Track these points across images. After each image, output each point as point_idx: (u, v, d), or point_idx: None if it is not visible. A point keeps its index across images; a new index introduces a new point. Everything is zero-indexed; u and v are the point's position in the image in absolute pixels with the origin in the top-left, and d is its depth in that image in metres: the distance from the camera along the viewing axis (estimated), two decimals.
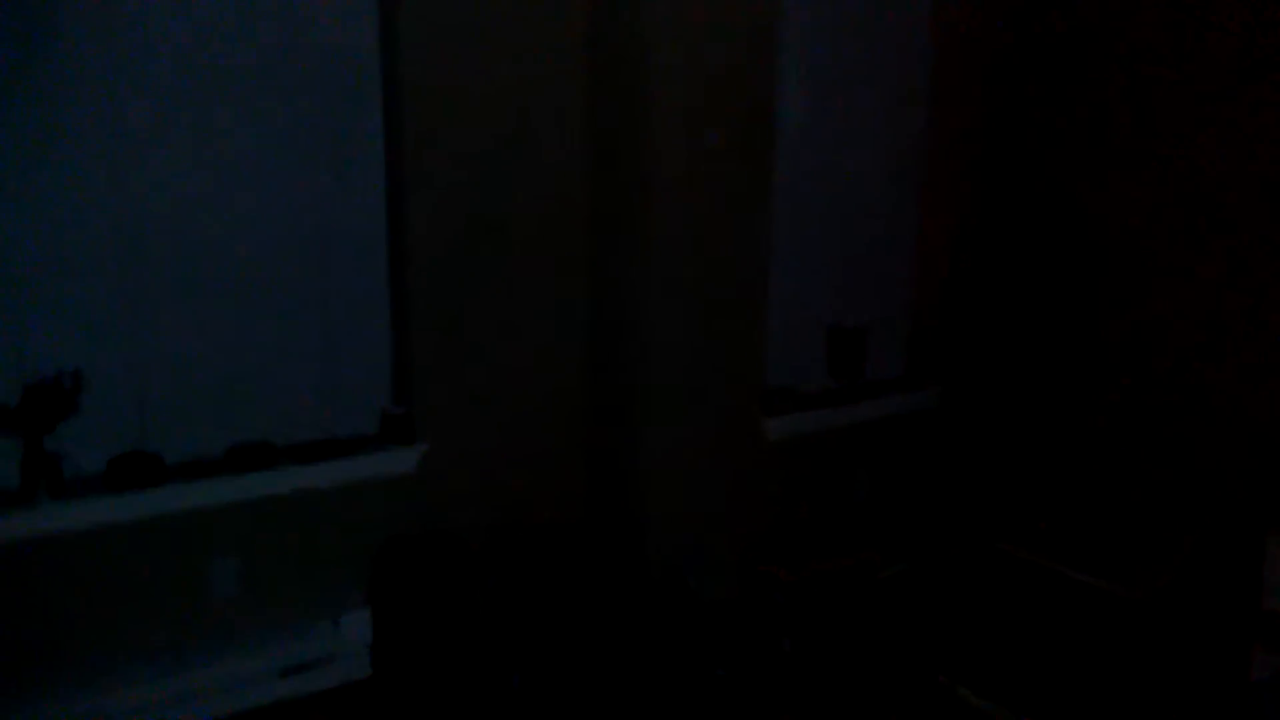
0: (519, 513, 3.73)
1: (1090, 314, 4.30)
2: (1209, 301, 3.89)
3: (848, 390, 4.13)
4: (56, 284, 2.91)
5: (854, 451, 4.23)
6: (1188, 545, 3.78)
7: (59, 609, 2.96)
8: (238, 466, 3.17)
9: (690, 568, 3.72)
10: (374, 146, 3.37)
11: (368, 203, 3.39)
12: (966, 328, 4.57)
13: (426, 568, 3.39)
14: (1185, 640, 3.72)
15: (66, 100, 2.85)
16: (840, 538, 4.05)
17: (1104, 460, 4.28)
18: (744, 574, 3.85)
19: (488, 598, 3.60)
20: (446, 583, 3.41)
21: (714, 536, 3.81)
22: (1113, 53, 4.15)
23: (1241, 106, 3.77)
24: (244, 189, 3.16)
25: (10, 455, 2.87)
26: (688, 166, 3.51)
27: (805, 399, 4.07)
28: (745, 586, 3.86)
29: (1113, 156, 4.17)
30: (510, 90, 3.49)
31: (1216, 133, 3.84)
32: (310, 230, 3.29)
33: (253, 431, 3.25)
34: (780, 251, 3.91)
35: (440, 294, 3.45)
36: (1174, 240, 4.01)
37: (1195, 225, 3.93)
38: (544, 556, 3.76)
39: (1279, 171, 3.68)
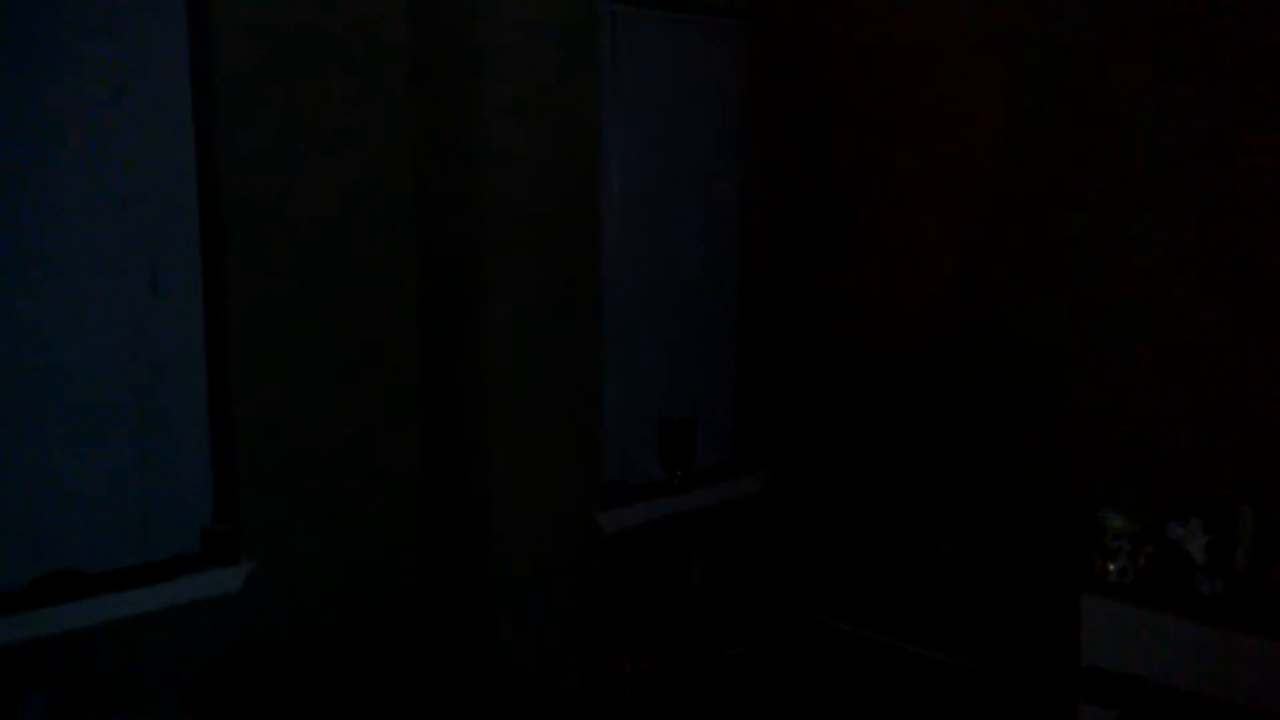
0: (357, 623, 3.60)
1: (902, 389, 4.57)
2: (1022, 376, 4.22)
3: (679, 480, 4.22)
4: None
5: (688, 538, 4.31)
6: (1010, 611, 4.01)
7: None
8: (44, 599, 2.94)
9: (535, 666, 3.67)
10: (191, 257, 3.27)
11: (184, 314, 3.27)
12: (789, 413, 4.76)
13: (256, 694, 3.22)
14: (1013, 702, 3.94)
15: None
16: (679, 624, 4.10)
17: (926, 531, 4.52)
18: (588, 668, 3.84)
19: None
20: (278, 707, 3.24)
21: (557, 633, 3.79)
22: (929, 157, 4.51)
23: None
24: (53, 303, 3.00)
25: None
26: (521, 269, 3.58)
27: (639, 491, 4.13)
28: (590, 680, 3.84)
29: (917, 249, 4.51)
30: (335, 184, 3.46)
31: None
32: (124, 344, 3.13)
33: (63, 560, 3.03)
34: (610, 348, 4.00)
35: (263, 405, 3.34)
36: (974, 328, 4.35)
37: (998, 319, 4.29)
38: (384, 668, 3.63)
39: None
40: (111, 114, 3.07)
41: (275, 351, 3.36)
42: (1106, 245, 3.91)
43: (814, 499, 4.83)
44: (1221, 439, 3.64)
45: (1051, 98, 4.03)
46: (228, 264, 3.25)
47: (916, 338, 4.51)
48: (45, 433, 3.01)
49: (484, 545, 3.61)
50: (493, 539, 3.60)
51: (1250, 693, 2.84)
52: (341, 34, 3.43)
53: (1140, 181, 3.80)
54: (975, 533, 4.34)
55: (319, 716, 3.47)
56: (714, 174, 4.44)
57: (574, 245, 3.75)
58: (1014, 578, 4.16)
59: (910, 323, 4.52)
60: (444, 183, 3.61)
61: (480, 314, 3.54)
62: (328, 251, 3.46)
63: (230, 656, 3.26)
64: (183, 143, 3.23)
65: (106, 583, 3.06)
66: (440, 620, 3.77)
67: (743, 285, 4.57)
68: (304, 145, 3.39)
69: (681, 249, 4.34)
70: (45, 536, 3.02)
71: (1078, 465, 4.00)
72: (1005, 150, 4.18)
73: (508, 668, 3.64)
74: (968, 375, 4.35)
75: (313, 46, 3.37)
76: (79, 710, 3.01)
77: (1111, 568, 3.20)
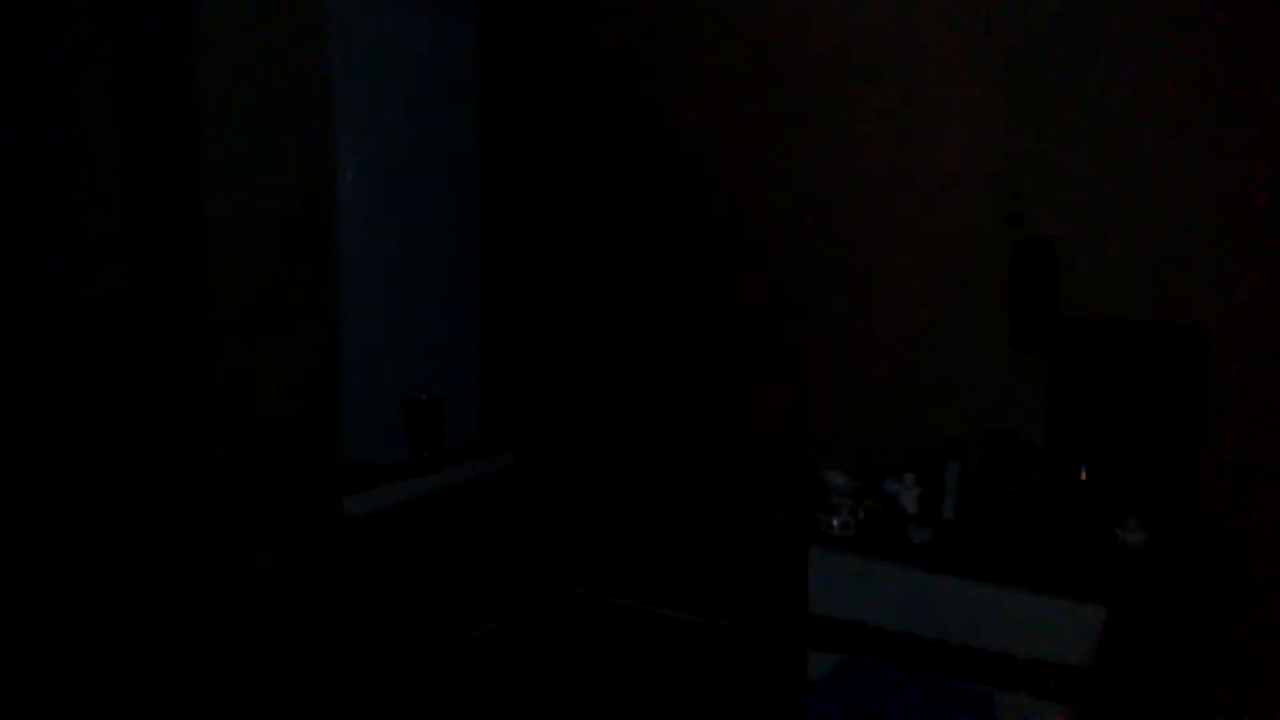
0: (87, 618, 3.33)
1: (643, 365, 4.71)
2: (753, 352, 4.43)
3: (427, 460, 4.16)
4: None
5: (437, 519, 4.27)
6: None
7: None
8: None
9: (278, 659, 3.53)
10: None
11: None
12: (536, 390, 4.80)
13: None
14: (750, 653, 4.15)
15: None
16: (430, 605, 4.05)
17: (670, 501, 4.68)
18: (331, 655, 3.73)
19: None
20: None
21: (295, 621, 3.65)
22: (657, 132, 4.62)
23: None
24: None
25: None
26: (246, 248, 3.40)
27: (384, 472, 4.04)
28: (333, 668, 3.74)
29: (647, 219, 4.63)
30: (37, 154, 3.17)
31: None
32: None
33: None
34: (351, 329, 3.88)
35: None
36: (702, 296, 4.53)
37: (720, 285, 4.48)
38: (113, 671, 3.39)
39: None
40: None
41: None
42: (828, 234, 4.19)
43: (564, 473, 4.89)
44: (930, 404, 4.00)
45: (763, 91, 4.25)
46: None
47: (650, 311, 4.65)
48: None
49: (217, 533, 3.42)
50: (223, 528, 3.42)
51: (955, 630, 3.12)
52: None
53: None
54: (715, 499, 4.55)
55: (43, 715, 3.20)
56: (458, 151, 4.39)
57: (306, 225, 3.58)
58: (751, 538, 4.39)
59: (643, 296, 4.66)
60: (158, 158, 3.37)
61: (202, 296, 3.33)
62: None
63: None
64: None
65: None
66: (171, 616, 3.55)
67: (486, 264, 4.55)
68: None
69: (424, 228, 4.27)
70: None
71: (806, 431, 4.28)
72: (725, 136, 4.38)
73: (241, 659, 3.47)
74: (702, 351, 4.53)
75: None
76: None
77: (835, 522, 3.42)
